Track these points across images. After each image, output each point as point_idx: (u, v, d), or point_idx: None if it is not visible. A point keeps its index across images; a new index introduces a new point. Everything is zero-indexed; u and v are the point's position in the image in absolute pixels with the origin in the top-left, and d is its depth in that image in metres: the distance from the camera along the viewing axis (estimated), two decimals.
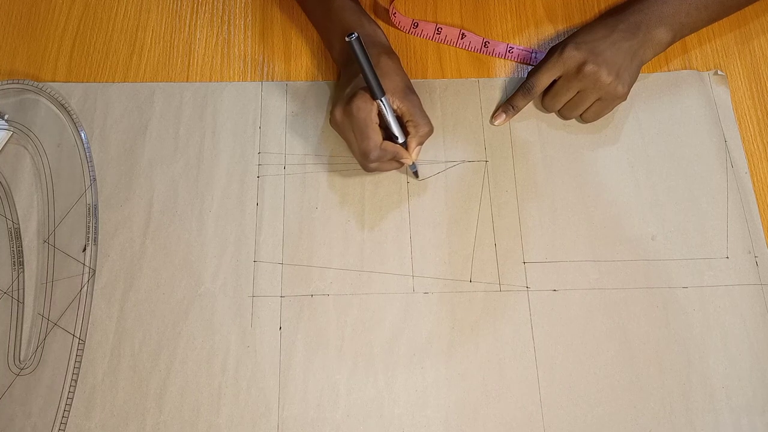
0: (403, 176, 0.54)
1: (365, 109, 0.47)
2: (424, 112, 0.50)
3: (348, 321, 0.49)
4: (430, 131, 0.50)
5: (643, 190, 0.53)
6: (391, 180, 0.54)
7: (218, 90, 0.57)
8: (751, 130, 0.56)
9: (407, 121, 0.50)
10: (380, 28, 0.55)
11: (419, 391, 0.47)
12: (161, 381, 0.47)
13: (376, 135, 0.48)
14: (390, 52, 0.53)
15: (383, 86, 0.47)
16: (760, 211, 0.53)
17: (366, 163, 0.49)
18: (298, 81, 0.58)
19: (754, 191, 0.54)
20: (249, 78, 0.58)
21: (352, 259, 0.51)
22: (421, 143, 0.50)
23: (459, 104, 0.57)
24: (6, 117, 0.55)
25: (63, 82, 0.57)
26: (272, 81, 0.58)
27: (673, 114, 0.56)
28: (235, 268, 0.50)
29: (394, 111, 0.49)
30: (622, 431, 0.46)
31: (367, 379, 0.47)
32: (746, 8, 0.61)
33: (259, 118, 0.56)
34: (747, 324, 0.49)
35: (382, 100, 0.47)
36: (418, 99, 0.50)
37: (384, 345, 0.48)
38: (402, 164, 0.51)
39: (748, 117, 0.57)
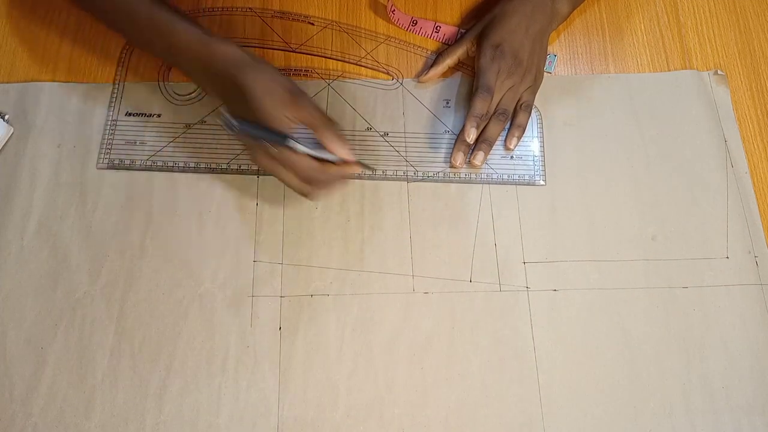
0: (403, 176, 0.54)
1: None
2: (318, 108, 0.46)
3: (348, 321, 0.49)
4: (333, 123, 0.46)
5: (643, 190, 0.53)
6: (391, 180, 0.54)
7: None
8: (751, 130, 0.56)
9: (315, 131, 0.46)
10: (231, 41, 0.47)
11: (419, 391, 0.47)
12: (161, 381, 0.47)
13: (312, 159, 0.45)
14: (256, 63, 0.45)
15: (272, 113, 0.44)
16: (760, 211, 0.53)
17: (317, 187, 0.47)
18: (297, 80, 0.57)
19: (754, 191, 0.54)
20: None
21: (352, 259, 0.51)
22: (341, 138, 0.46)
23: None
24: (6, 117, 0.55)
25: (63, 82, 0.57)
26: None
27: (673, 114, 0.56)
28: (234, 268, 0.50)
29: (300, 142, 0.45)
30: (622, 431, 0.46)
31: (367, 379, 0.47)
32: (746, 8, 0.61)
33: None
34: (747, 324, 0.49)
35: (292, 142, 0.44)
36: (307, 97, 0.46)
37: (384, 345, 0.48)
38: (347, 176, 0.49)
39: (748, 117, 0.57)
